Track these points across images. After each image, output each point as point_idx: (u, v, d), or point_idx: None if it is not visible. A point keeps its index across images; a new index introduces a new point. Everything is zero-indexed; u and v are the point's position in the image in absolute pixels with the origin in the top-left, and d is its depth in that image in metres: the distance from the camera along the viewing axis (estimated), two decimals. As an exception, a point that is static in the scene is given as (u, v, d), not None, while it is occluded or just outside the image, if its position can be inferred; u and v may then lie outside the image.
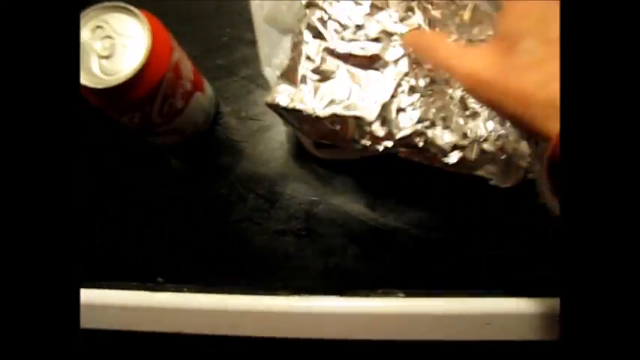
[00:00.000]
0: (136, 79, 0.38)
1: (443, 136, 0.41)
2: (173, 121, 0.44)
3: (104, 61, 0.39)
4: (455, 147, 0.41)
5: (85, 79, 0.38)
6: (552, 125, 0.29)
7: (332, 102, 0.40)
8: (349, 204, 0.47)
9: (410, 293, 0.45)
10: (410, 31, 0.41)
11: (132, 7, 0.39)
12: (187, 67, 0.44)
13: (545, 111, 0.29)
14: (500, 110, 0.33)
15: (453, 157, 0.41)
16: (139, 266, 0.47)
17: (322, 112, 0.40)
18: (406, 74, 0.41)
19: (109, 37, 0.39)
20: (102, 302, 0.46)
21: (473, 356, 0.48)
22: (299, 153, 0.48)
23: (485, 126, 0.42)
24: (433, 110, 0.41)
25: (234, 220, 0.47)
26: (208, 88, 0.48)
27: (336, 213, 0.47)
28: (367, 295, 0.45)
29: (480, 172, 0.42)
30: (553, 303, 0.44)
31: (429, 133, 0.41)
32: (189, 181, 0.48)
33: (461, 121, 0.42)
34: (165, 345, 0.50)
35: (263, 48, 0.44)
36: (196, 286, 0.46)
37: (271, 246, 0.47)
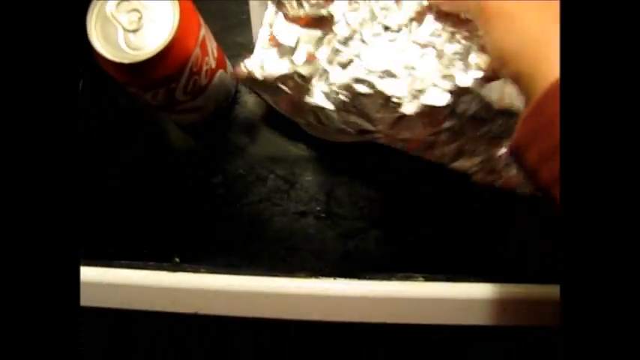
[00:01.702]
0: (164, 54, 0.37)
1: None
2: (196, 98, 0.43)
3: (131, 35, 0.38)
4: None
5: (110, 54, 0.37)
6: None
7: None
8: (371, 187, 0.47)
9: (429, 278, 0.45)
10: None
11: (160, -20, 0.38)
12: (212, 44, 0.43)
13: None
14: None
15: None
16: (156, 246, 0.46)
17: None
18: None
19: (135, 10, 0.38)
20: (118, 281, 0.45)
21: (487, 340, 0.48)
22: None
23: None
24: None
25: (253, 200, 0.47)
26: (229, 65, 0.47)
27: (357, 196, 0.47)
28: (386, 279, 0.45)
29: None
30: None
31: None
32: (208, 160, 0.48)
33: None
34: (180, 325, 0.49)
35: (255, 27, 0.44)
36: (213, 266, 0.46)
37: (291, 227, 0.46)
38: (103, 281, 0.45)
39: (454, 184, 0.46)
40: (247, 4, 0.50)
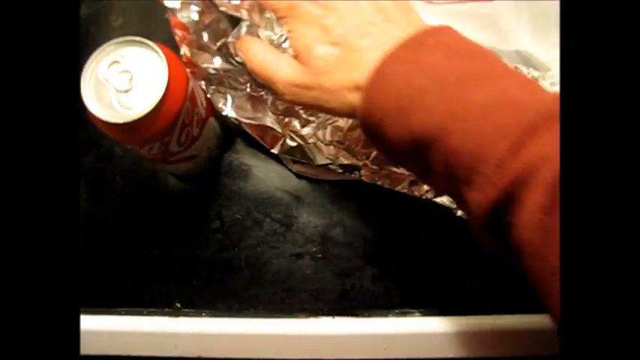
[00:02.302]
0: (156, 111, 0.38)
1: None
2: (189, 148, 0.44)
3: (123, 96, 0.39)
4: None
5: (105, 114, 0.38)
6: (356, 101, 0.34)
7: None
8: (365, 226, 0.48)
9: (426, 313, 0.46)
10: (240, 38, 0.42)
11: (148, 41, 0.39)
12: (200, 94, 0.44)
13: (354, 96, 0.34)
14: (325, 108, 0.36)
15: None
16: (157, 292, 0.47)
17: None
18: None
19: (126, 71, 0.39)
20: (121, 329, 0.46)
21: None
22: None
23: None
24: None
25: (251, 244, 0.48)
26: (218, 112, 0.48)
27: (351, 236, 0.48)
28: (384, 316, 0.46)
29: None
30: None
31: None
32: (205, 206, 0.49)
33: None
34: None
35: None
36: (214, 310, 0.47)
37: (289, 269, 0.47)
38: (105, 329, 0.46)
39: (447, 220, 0.47)
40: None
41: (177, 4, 0.42)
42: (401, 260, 0.47)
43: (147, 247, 0.48)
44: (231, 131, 0.50)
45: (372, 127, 0.33)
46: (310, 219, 0.48)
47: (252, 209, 0.48)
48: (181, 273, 0.48)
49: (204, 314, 0.46)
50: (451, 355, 0.45)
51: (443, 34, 0.33)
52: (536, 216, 0.27)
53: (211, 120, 0.46)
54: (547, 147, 0.27)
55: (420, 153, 0.31)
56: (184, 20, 0.43)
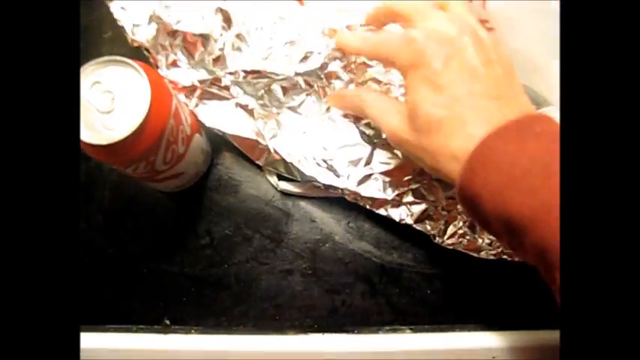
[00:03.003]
0: (140, 131, 0.38)
1: None
2: (176, 166, 0.44)
3: (106, 117, 0.38)
4: None
5: (87, 136, 0.37)
6: (456, 174, 0.35)
7: None
8: (354, 242, 0.47)
9: (416, 329, 0.46)
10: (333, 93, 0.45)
11: (128, 60, 0.39)
12: (185, 111, 0.44)
13: (450, 164, 0.35)
14: (420, 162, 0.38)
15: None
16: (146, 309, 0.47)
17: None
18: None
19: (108, 91, 0.39)
20: (110, 346, 0.46)
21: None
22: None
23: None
24: None
25: (240, 260, 0.47)
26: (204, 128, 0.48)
27: (341, 252, 0.47)
28: (374, 333, 0.46)
29: None
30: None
31: None
32: (194, 222, 0.48)
33: None
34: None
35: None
36: (203, 327, 0.46)
37: (278, 285, 0.47)
38: (93, 346, 0.45)
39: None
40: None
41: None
42: (391, 276, 0.46)
43: (135, 263, 0.48)
44: (218, 146, 0.49)
45: (469, 198, 0.34)
46: (300, 235, 0.48)
47: (241, 225, 0.48)
48: (170, 289, 0.47)
49: (193, 331, 0.46)
50: (442, 372, 0.45)
51: (548, 123, 0.34)
52: None
53: (197, 136, 0.46)
54: None
55: (515, 233, 0.32)
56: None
